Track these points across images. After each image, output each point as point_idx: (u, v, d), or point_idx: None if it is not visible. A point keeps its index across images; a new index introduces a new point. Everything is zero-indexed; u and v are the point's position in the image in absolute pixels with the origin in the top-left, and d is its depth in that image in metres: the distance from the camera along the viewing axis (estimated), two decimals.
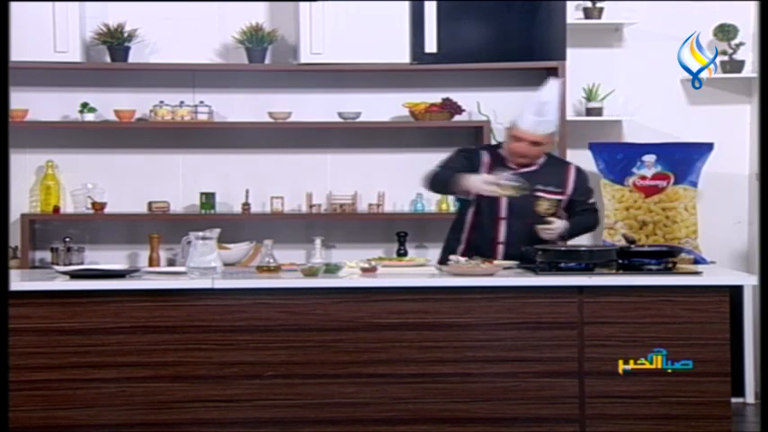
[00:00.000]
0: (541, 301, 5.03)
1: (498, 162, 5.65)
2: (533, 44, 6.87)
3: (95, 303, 4.96)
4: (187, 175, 7.08)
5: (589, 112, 7.09)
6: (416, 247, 7.13)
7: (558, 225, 5.55)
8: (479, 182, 5.47)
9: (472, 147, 5.78)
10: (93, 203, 6.92)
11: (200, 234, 5.06)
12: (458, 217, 5.81)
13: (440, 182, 5.63)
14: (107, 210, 6.94)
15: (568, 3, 6.93)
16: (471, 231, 5.70)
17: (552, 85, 5.69)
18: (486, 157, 5.67)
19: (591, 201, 5.82)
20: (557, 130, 5.75)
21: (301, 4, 6.80)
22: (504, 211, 5.62)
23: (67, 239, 6.89)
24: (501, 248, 5.61)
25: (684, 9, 7.03)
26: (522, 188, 5.43)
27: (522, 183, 5.46)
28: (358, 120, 6.97)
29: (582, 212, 5.74)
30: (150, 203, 6.95)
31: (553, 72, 6.90)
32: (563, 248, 5.40)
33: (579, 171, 5.79)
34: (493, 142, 6.03)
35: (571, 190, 5.70)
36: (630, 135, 7.18)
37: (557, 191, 5.66)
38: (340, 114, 6.97)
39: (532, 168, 5.64)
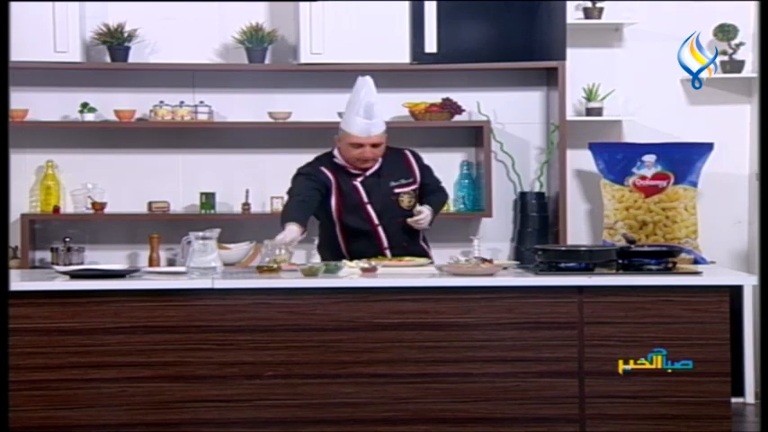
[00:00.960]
0: (541, 301, 5.03)
1: (342, 173, 5.64)
2: (533, 44, 6.87)
3: (95, 303, 4.96)
4: (187, 175, 7.08)
5: (589, 112, 7.09)
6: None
7: (426, 213, 5.63)
8: (287, 235, 5.35)
9: (311, 167, 5.64)
10: (93, 203, 6.91)
11: (200, 234, 5.06)
12: (322, 234, 5.77)
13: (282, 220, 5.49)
14: (107, 210, 6.94)
15: (568, 3, 6.93)
16: (348, 245, 5.67)
17: (368, 82, 5.65)
18: (330, 175, 5.63)
19: (436, 179, 5.87)
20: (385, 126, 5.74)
21: (301, 4, 6.80)
22: (375, 219, 5.66)
23: (67, 239, 6.89)
24: (388, 253, 5.66)
25: (684, 9, 7.03)
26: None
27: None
28: None
29: (432, 192, 5.79)
30: (150, 203, 6.95)
31: (553, 72, 6.91)
32: (563, 248, 5.40)
33: (415, 155, 5.84)
34: (333, 150, 5.99)
35: (419, 176, 5.75)
36: (630, 135, 7.18)
37: (408, 182, 5.71)
38: (340, 114, 6.96)
39: (375, 168, 5.67)
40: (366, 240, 5.65)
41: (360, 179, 5.65)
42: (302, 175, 5.67)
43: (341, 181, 5.64)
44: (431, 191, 5.80)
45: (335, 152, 5.72)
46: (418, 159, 5.82)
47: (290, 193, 5.64)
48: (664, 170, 6.99)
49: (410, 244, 5.71)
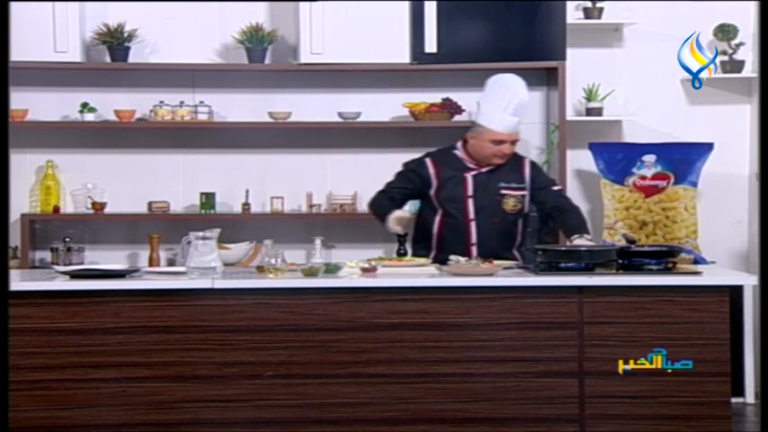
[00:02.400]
0: (541, 301, 5.03)
1: (454, 165, 5.68)
2: (533, 44, 6.87)
3: (95, 303, 4.96)
4: (187, 175, 7.08)
5: (589, 112, 7.09)
6: None
7: (584, 242, 5.56)
8: (391, 222, 5.61)
9: (414, 162, 5.81)
10: (93, 203, 6.92)
11: (200, 234, 5.06)
12: (419, 228, 5.85)
13: (376, 215, 5.77)
14: (107, 210, 6.94)
15: (568, 3, 6.93)
16: (440, 238, 5.72)
17: (521, 83, 5.71)
18: (430, 167, 5.72)
19: (555, 187, 5.86)
20: None
21: (301, 4, 6.80)
22: (472, 213, 5.66)
23: (67, 239, 6.89)
24: (474, 249, 5.65)
25: (684, 9, 7.03)
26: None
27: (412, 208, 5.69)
28: (358, 120, 6.98)
29: (557, 200, 5.76)
30: (150, 203, 6.95)
31: (553, 72, 6.91)
32: (563, 248, 5.40)
33: (533, 164, 5.87)
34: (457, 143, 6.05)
35: (529, 183, 5.75)
36: (630, 135, 7.18)
37: (519, 186, 5.71)
38: (340, 114, 6.97)
39: (491, 167, 5.70)
40: (457, 234, 5.66)
41: (473, 173, 5.67)
42: (408, 165, 5.81)
43: (446, 172, 5.69)
44: (551, 197, 5.75)
45: (458, 145, 5.75)
46: (534, 167, 5.82)
47: (386, 187, 5.80)
48: (664, 170, 6.99)
49: (498, 247, 5.64)
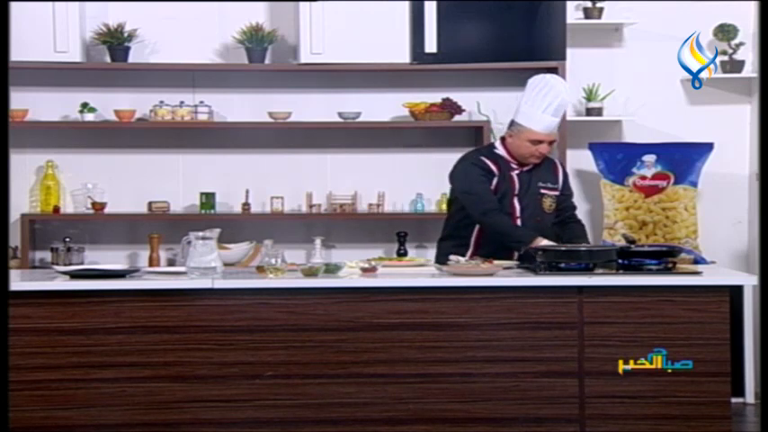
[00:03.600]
0: (541, 301, 5.03)
1: (502, 164, 5.66)
2: (533, 44, 6.87)
3: (95, 303, 4.96)
4: (187, 175, 7.08)
5: (589, 112, 7.09)
6: (416, 247, 7.13)
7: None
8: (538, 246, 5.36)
9: (476, 156, 5.67)
10: (93, 203, 6.92)
11: (200, 234, 5.05)
12: (455, 225, 5.74)
13: (499, 234, 5.51)
14: (107, 210, 6.94)
15: (568, 3, 6.93)
16: (480, 236, 5.66)
17: (563, 83, 5.72)
18: (493, 167, 5.63)
19: (572, 199, 5.87)
20: None
21: (301, 4, 6.80)
22: (518, 211, 5.64)
23: (67, 239, 6.89)
24: (515, 255, 5.56)
25: (684, 9, 7.03)
26: None
27: None
28: (358, 120, 6.98)
29: (572, 209, 5.79)
30: (150, 203, 6.95)
31: (553, 72, 6.90)
32: (563, 248, 5.39)
33: (563, 166, 5.90)
34: (494, 142, 6.04)
35: (561, 185, 5.76)
36: (630, 135, 7.18)
37: (553, 186, 5.73)
38: (340, 114, 6.97)
39: (530, 166, 5.69)
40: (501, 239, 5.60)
41: (517, 171, 5.66)
42: (477, 167, 5.60)
43: (502, 170, 5.63)
44: (566, 206, 5.76)
45: (497, 144, 5.71)
46: (565, 171, 5.85)
47: (478, 198, 5.55)
48: (664, 170, 6.99)
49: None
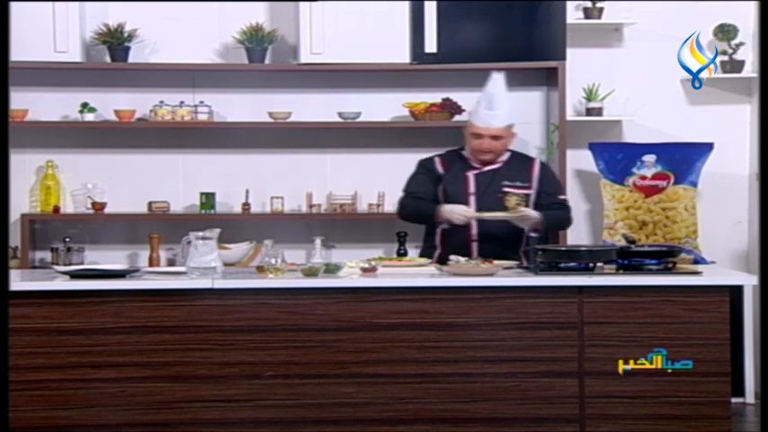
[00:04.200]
0: (541, 301, 5.03)
1: (458, 164, 5.71)
2: (533, 44, 6.87)
3: (95, 303, 4.96)
4: (187, 175, 7.08)
5: (589, 112, 7.09)
6: (416, 247, 7.10)
7: (530, 212, 5.57)
8: (457, 214, 5.56)
9: (426, 159, 5.85)
10: (93, 203, 6.92)
11: (200, 234, 5.06)
12: (429, 227, 5.84)
13: (413, 215, 5.79)
14: (107, 210, 6.94)
15: (568, 3, 6.93)
16: (444, 234, 5.73)
17: (497, 77, 5.75)
18: (439, 165, 5.76)
19: (562, 196, 5.84)
20: (512, 123, 5.78)
21: (301, 4, 6.80)
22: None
23: (67, 239, 6.89)
24: (475, 246, 5.64)
25: (684, 9, 7.03)
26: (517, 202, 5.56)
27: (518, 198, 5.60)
28: (358, 120, 6.98)
29: (552, 207, 5.74)
30: (150, 203, 6.95)
31: (553, 72, 6.91)
32: (563, 248, 5.40)
33: (543, 165, 5.89)
34: None
35: (537, 183, 5.74)
36: (630, 135, 7.18)
37: (523, 185, 5.71)
38: (340, 114, 6.97)
39: (496, 166, 5.71)
40: (460, 232, 5.64)
41: (475, 172, 5.70)
42: (421, 166, 5.83)
43: (450, 170, 5.72)
44: (548, 204, 5.70)
45: (466, 145, 5.79)
46: (543, 168, 5.82)
47: (407, 187, 5.80)
48: (664, 170, 6.99)
49: (501, 246, 5.57)
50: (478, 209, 5.64)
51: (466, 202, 5.66)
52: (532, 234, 5.63)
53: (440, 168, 5.76)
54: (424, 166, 5.82)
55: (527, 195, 5.70)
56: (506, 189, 5.67)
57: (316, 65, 6.83)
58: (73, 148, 7.03)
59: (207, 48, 7.06)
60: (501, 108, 5.69)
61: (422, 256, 5.86)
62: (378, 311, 5.01)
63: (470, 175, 5.71)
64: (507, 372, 5.02)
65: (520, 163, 5.77)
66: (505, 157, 5.77)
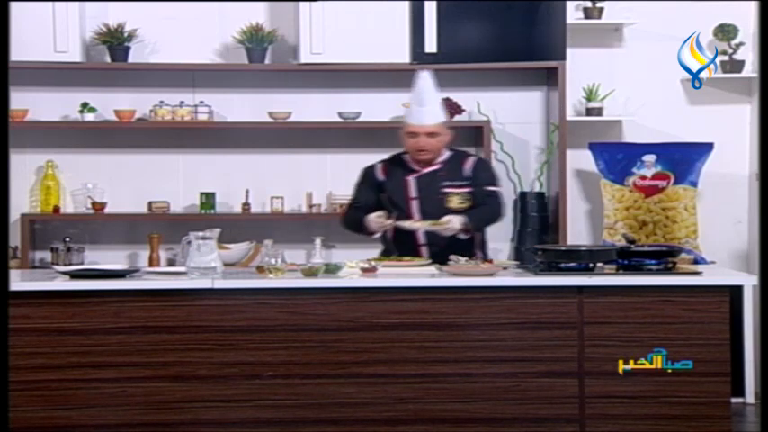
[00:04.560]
0: (541, 301, 5.03)
1: (399, 169, 5.72)
2: (533, 44, 6.87)
3: (95, 303, 4.96)
4: (187, 175, 7.08)
5: (589, 112, 7.09)
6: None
7: (452, 220, 5.53)
8: (373, 222, 5.62)
9: (369, 167, 5.86)
10: (93, 203, 6.92)
11: (200, 234, 5.06)
12: (384, 233, 5.82)
13: (353, 226, 5.82)
14: (107, 210, 6.94)
15: (568, 3, 6.93)
16: (394, 241, 5.73)
17: (425, 75, 5.75)
18: (380, 172, 5.78)
19: (492, 188, 5.76)
20: (445, 120, 5.80)
21: (301, 4, 6.80)
22: (417, 215, 5.66)
23: (67, 239, 6.89)
24: (425, 250, 5.65)
25: (684, 9, 7.03)
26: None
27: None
28: (358, 120, 6.98)
29: (483, 200, 5.70)
30: (150, 203, 6.95)
31: (553, 72, 6.91)
32: (563, 248, 5.40)
33: (479, 160, 5.87)
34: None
35: (471, 177, 5.71)
36: (630, 135, 7.18)
37: (463, 184, 5.70)
38: (340, 114, 6.97)
39: (435, 167, 5.70)
40: (407, 236, 5.64)
41: (415, 175, 5.70)
42: (364, 175, 5.85)
43: (392, 176, 5.73)
44: (480, 198, 5.68)
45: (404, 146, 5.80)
46: (477, 163, 5.79)
47: (351, 198, 5.88)
48: (664, 170, 6.99)
49: (451, 247, 5.52)
50: (422, 213, 5.64)
51: (408, 208, 5.66)
52: (462, 236, 5.60)
53: (380, 175, 5.77)
54: (366, 174, 5.84)
55: (470, 193, 5.68)
56: (447, 190, 5.66)
57: (316, 65, 6.83)
58: (73, 148, 7.03)
59: (207, 48, 7.06)
60: (431, 104, 5.71)
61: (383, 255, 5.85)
62: (378, 311, 5.01)
63: (410, 179, 5.70)
64: (507, 372, 5.02)
65: (455, 160, 5.76)
66: (444, 156, 5.74)
